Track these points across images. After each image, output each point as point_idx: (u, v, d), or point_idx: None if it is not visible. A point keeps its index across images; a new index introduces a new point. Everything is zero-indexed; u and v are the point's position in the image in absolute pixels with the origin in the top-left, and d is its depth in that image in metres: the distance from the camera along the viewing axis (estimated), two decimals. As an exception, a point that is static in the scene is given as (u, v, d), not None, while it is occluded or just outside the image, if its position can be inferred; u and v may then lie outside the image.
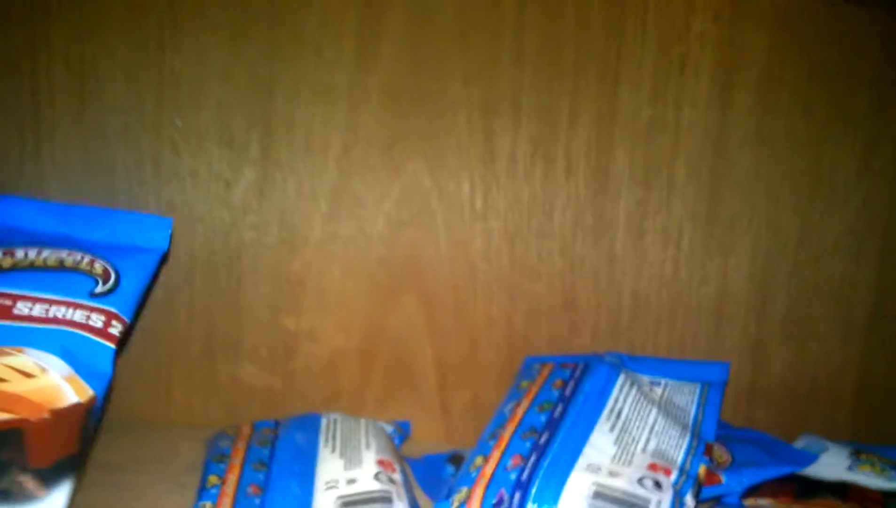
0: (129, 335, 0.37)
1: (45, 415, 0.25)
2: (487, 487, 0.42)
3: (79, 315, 0.31)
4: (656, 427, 0.46)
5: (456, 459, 0.50)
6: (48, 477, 0.23)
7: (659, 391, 0.50)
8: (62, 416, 0.26)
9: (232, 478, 0.44)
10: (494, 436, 0.46)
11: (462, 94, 0.56)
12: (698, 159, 0.57)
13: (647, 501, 0.40)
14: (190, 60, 0.54)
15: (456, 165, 0.56)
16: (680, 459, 0.44)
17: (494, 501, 0.41)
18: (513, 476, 0.42)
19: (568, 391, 0.49)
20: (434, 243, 0.57)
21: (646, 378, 0.51)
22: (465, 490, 0.43)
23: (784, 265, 0.58)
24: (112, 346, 0.31)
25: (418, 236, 0.57)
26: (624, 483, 0.41)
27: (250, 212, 0.56)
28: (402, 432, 0.55)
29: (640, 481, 0.41)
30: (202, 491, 0.43)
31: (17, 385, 0.26)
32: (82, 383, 0.27)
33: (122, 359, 0.56)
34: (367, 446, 0.47)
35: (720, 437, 0.52)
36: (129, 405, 0.57)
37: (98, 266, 0.34)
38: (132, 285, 0.35)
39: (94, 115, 0.54)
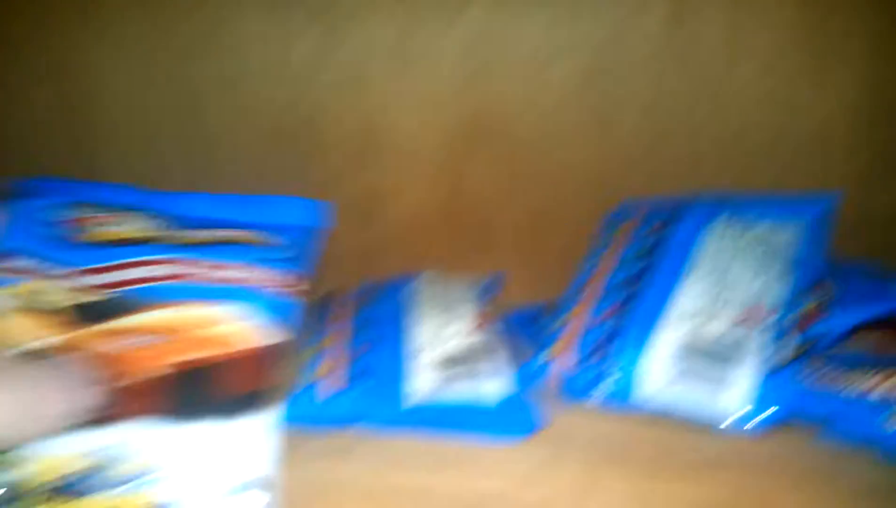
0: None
1: (246, 350, 0.30)
2: (577, 340, 0.42)
3: (266, 277, 0.37)
4: (756, 269, 0.44)
5: (545, 311, 0.50)
6: (246, 402, 0.27)
7: (760, 230, 0.47)
8: (253, 355, 0.30)
9: (336, 340, 0.46)
10: (583, 288, 0.46)
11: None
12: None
13: (742, 344, 0.39)
14: None
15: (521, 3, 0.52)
16: (780, 299, 0.42)
17: (585, 353, 0.42)
18: (604, 328, 0.42)
19: (661, 238, 0.47)
20: (512, 87, 0.54)
21: (746, 218, 0.48)
22: (556, 343, 0.43)
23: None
24: (295, 302, 0.38)
25: (495, 79, 0.54)
26: (718, 328, 0.40)
27: (322, 70, 0.54)
28: (493, 286, 0.55)
29: (736, 324, 0.40)
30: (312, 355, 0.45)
31: (222, 329, 0.30)
32: (273, 329, 0.32)
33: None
34: (463, 302, 0.48)
35: (826, 274, 0.49)
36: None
37: (272, 239, 0.41)
38: (303, 252, 0.44)
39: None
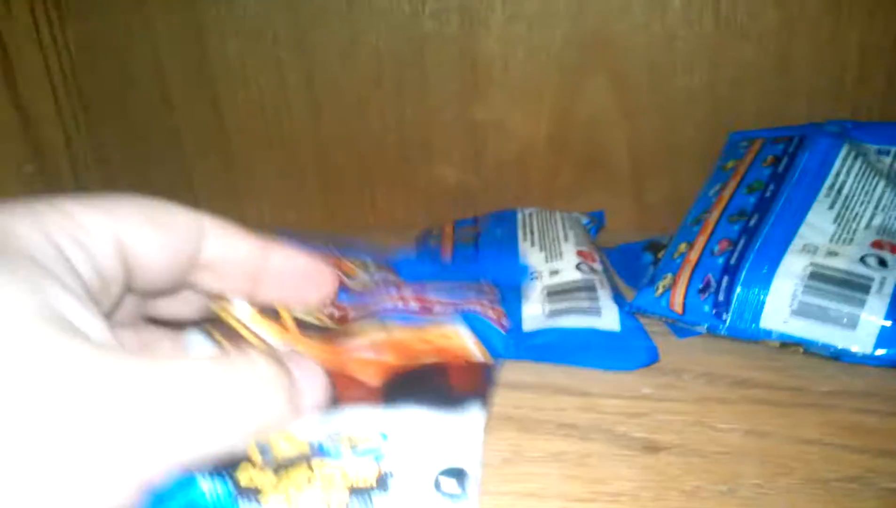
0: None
1: (462, 362, 0.31)
2: (693, 272, 0.42)
3: (481, 309, 0.39)
4: (884, 201, 0.42)
5: (653, 247, 0.50)
6: (464, 400, 0.28)
7: (888, 160, 0.45)
8: (474, 367, 0.31)
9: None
10: (699, 221, 0.45)
11: None
12: None
13: (871, 279, 0.38)
14: None
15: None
16: (913, 234, 0.40)
17: (701, 286, 0.41)
18: (720, 261, 0.41)
19: (781, 169, 0.45)
20: (626, 9, 0.52)
21: (873, 147, 0.46)
22: (669, 276, 0.43)
23: None
24: (503, 331, 0.39)
25: (607, 2, 0.52)
26: (844, 262, 0.39)
27: (429, 1, 0.54)
28: (597, 222, 0.55)
29: (862, 259, 0.39)
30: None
31: (440, 342, 0.32)
32: (485, 350, 0.32)
33: (325, 166, 0.60)
34: (566, 238, 0.48)
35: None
36: (338, 214, 0.61)
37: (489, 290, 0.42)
38: (511, 299, 0.43)
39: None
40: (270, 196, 0.62)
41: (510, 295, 0.43)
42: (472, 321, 0.35)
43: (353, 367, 0.30)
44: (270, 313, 0.32)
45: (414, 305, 0.37)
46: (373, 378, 0.29)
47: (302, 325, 0.33)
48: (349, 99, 0.57)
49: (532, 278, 0.45)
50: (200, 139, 0.60)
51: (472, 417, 0.28)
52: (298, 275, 0.29)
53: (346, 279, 0.40)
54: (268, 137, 0.59)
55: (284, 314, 0.31)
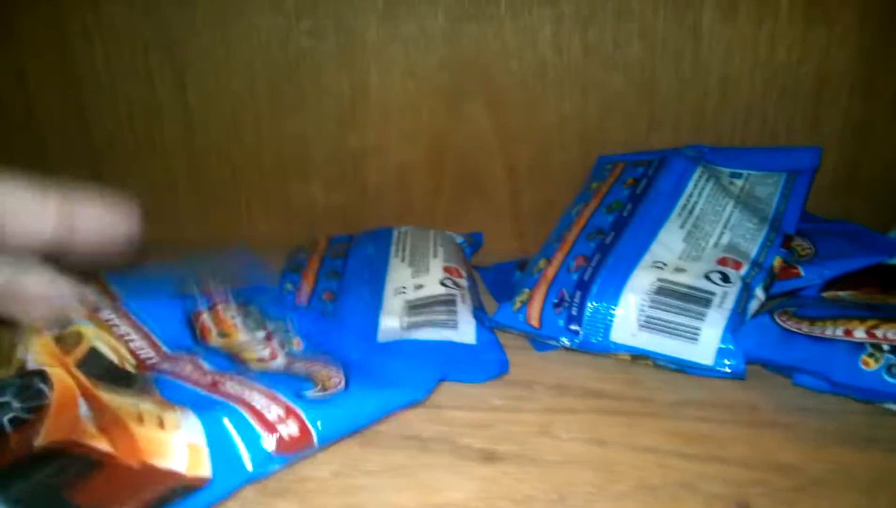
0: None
1: (134, 464, 0.25)
2: (549, 288, 0.42)
3: (260, 402, 0.30)
4: (732, 221, 0.44)
5: (524, 264, 0.50)
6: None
7: (740, 183, 0.47)
8: (149, 473, 0.25)
9: (306, 286, 0.46)
10: (559, 238, 0.46)
11: None
12: None
13: (712, 294, 0.39)
14: None
15: (519, -57, 0.50)
16: (753, 252, 0.42)
17: (556, 301, 0.42)
18: (575, 277, 0.42)
19: (639, 190, 0.46)
20: (498, 35, 0.53)
21: (726, 171, 0.48)
22: (526, 291, 0.43)
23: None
24: (267, 436, 0.29)
25: (481, 29, 0.53)
26: (690, 277, 0.40)
27: (305, 17, 0.53)
28: (474, 241, 0.55)
29: (707, 275, 0.40)
30: (278, 297, 0.45)
31: (141, 429, 0.27)
32: (203, 460, 0.26)
33: (199, 179, 0.58)
34: (435, 254, 0.48)
35: (808, 230, 0.48)
36: (212, 229, 0.60)
37: (336, 377, 0.34)
38: (345, 405, 0.33)
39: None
40: (141, 209, 0.59)
41: (367, 309, 0.42)
42: (232, 417, 0.29)
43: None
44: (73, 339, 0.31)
45: (206, 379, 0.33)
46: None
47: (96, 356, 0.31)
48: (223, 112, 0.56)
49: (399, 294, 0.44)
50: (66, 149, 0.58)
51: None
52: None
53: (214, 335, 0.39)
54: (137, 148, 0.57)
55: (83, 342, 0.31)
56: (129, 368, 0.34)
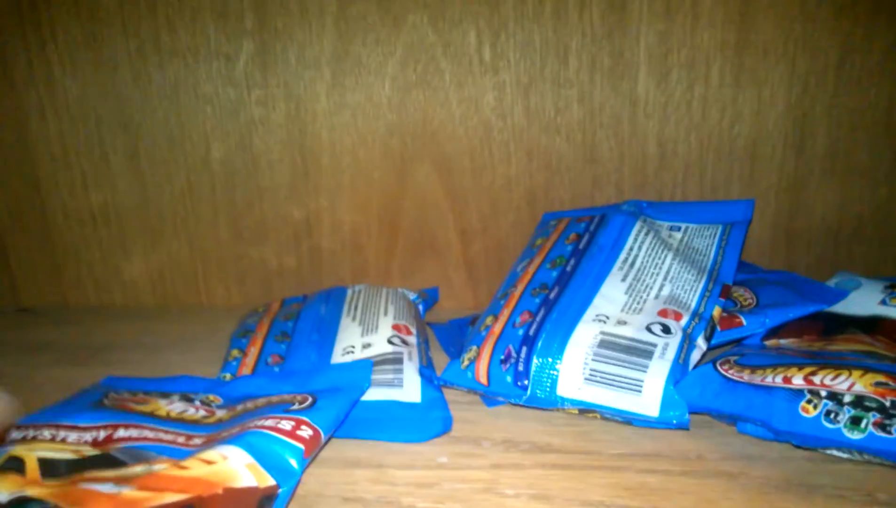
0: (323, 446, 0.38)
1: (218, 491, 0.29)
2: (496, 345, 0.43)
3: (269, 423, 0.34)
4: (671, 273, 0.45)
5: (475, 321, 0.51)
6: None
7: (678, 236, 0.49)
8: (235, 495, 0.29)
9: (253, 350, 0.46)
10: (505, 295, 0.46)
11: (458, -64, 0.51)
12: (725, -18, 0.51)
13: (654, 345, 0.40)
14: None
15: (459, 14, 0.53)
16: (693, 303, 0.43)
17: (502, 357, 0.42)
18: (520, 332, 0.42)
19: (582, 245, 0.48)
20: (444, 103, 0.55)
21: (665, 224, 0.49)
22: (474, 348, 0.43)
23: (824, 94, 0.53)
24: (298, 445, 0.33)
25: (427, 97, 0.55)
26: (631, 330, 0.41)
27: (255, 87, 0.55)
28: (428, 298, 0.55)
29: (648, 327, 0.41)
30: (224, 364, 0.45)
31: (197, 471, 0.30)
32: (263, 472, 0.30)
33: (160, 250, 0.58)
34: (385, 312, 0.48)
35: (749, 280, 0.50)
36: (171, 291, 0.59)
37: (300, 397, 0.38)
38: (328, 405, 0.37)
39: (88, 2, 0.53)
40: (95, 277, 0.59)
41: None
42: (255, 438, 0.32)
43: (87, 500, 0.28)
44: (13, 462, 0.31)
45: (196, 440, 0.35)
46: None
47: (52, 463, 0.32)
48: (178, 181, 0.57)
49: (347, 353, 0.44)
50: (18, 217, 0.58)
51: None
52: None
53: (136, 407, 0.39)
54: (91, 216, 0.57)
55: (28, 459, 0.31)
56: (92, 453, 0.34)
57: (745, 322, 0.44)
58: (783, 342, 0.45)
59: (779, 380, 0.37)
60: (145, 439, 0.35)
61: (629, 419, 0.39)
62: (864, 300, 0.46)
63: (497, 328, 0.43)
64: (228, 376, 0.44)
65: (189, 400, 0.39)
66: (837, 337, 0.44)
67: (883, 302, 0.45)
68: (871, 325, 0.44)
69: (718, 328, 0.44)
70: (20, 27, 0.54)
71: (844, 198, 0.56)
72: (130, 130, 0.56)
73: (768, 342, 0.45)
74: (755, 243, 0.57)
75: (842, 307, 0.46)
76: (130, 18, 0.54)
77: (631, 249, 0.46)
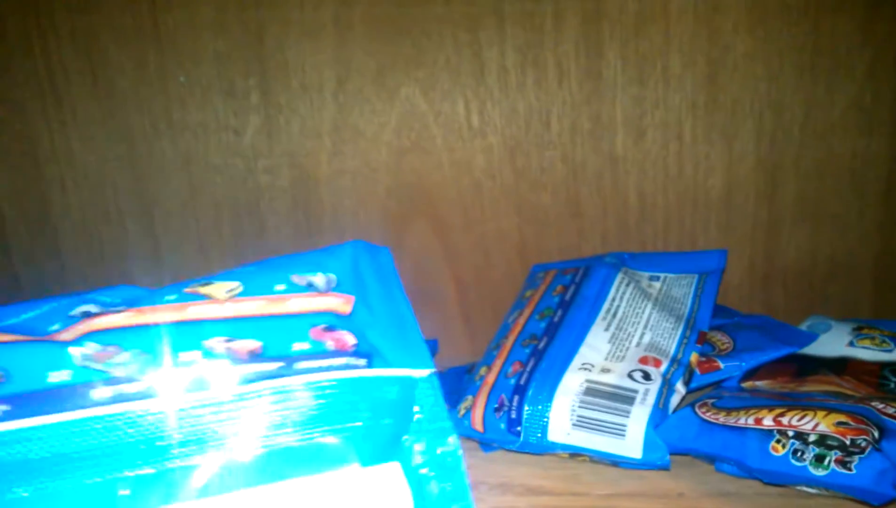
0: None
1: None
2: (490, 394, 0.46)
3: None
4: (651, 322, 0.48)
5: (472, 370, 0.54)
6: None
7: (658, 285, 0.52)
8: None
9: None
10: (498, 346, 0.50)
11: (444, 13, 0.56)
12: (692, 47, 0.56)
13: (635, 391, 0.43)
14: (181, 16, 0.56)
15: (448, 85, 0.57)
16: (672, 349, 0.46)
17: (496, 406, 0.45)
18: (512, 382, 0.45)
19: (568, 296, 0.51)
20: (437, 166, 0.59)
21: (645, 275, 0.53)
22: (470, 398, 0.46)
23: (791, 146, 0.57)
24: None
25: (421, 160, 0.59)
26: (614, 377, 0.44)
27: (261, 157, 0.59)
28: (429, 348, 0.59)
29: (630, 374, 0.44)
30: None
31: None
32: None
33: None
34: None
35: (727, 325, 0.53)
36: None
37: None
38: None
39: (105, 82, 0.58)
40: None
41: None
42: None
43: None
44: None
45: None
46: None
47: None
48: (190, 247, 0.61)
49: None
50: (40, 287, 0.61)
51: None
52: None
53: None
54: (109, 284, 0.61)
55: None
56: None
57: (722, 366, 0.48)
58: (759, 383, 0.48)
59: (751, 421, 0.40)
60: None
61: (616, 462, 0.42)
62: (833, 342, 0.49)
63: (490, 379, 0.47)
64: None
65: None
66: (809, 378, 0.47)
67: (850, 344, 0.48)
68: (839, 366, 0.47)
69: (698, 372, 0.47)
70: (42, 108, 0.58)
71: (816, 242, 0.59)
72: (145, 199, 0.60)
73: (745, 384, 0.48)
74: (734, 287, 0.60)
75: (813, 349, 0.49)
76: (144, 96, 0.58)
77: (613, 299, 0.50)
